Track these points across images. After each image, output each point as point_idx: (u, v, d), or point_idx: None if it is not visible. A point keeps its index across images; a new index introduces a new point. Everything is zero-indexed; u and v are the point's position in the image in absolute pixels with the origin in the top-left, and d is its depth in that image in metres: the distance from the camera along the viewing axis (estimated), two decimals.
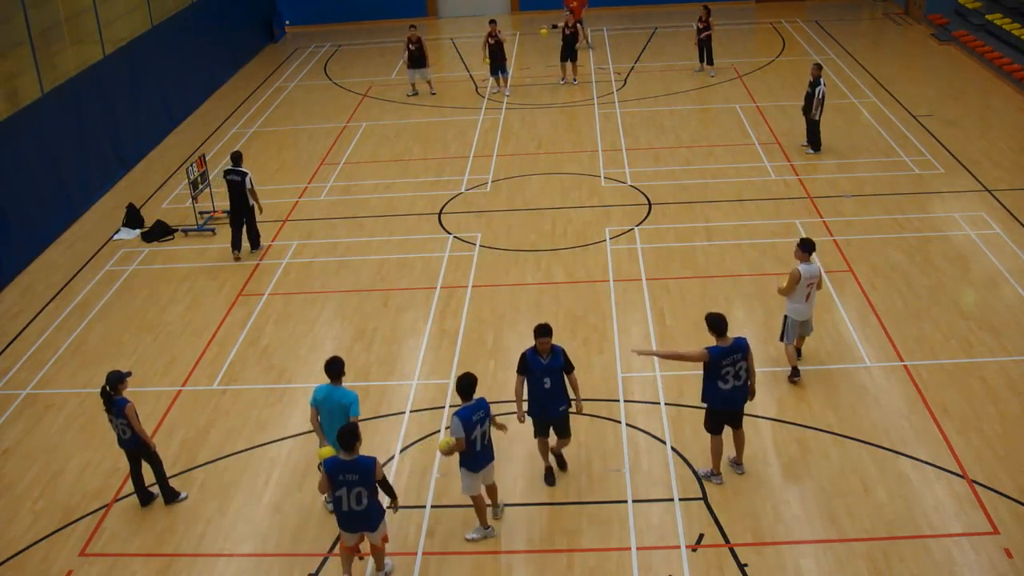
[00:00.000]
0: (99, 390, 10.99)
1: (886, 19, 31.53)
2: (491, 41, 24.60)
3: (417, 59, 25.10)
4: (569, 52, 25.52)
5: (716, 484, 11.01)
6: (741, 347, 10.58)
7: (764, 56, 27.77)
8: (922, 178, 18.85)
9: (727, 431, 11.04)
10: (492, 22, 25.18)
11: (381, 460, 11.78)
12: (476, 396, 10.12)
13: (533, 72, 27.42)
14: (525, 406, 10.91)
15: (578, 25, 25.55)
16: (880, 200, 17.95)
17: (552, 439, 11.25)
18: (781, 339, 12.83)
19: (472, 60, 28.96)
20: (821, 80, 19.56)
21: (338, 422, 10.30)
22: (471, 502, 10.49)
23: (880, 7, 32.94)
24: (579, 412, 11.14)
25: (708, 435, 11.08)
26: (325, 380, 10.51)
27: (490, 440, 10.27)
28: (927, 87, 24.18)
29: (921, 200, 17.93)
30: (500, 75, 25.13)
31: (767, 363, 13.25)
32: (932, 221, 17.10)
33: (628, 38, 30.58)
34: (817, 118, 19.82)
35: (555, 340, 13.95)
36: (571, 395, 10.93)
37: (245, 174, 16.87)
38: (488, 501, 10.69)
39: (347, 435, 9.22)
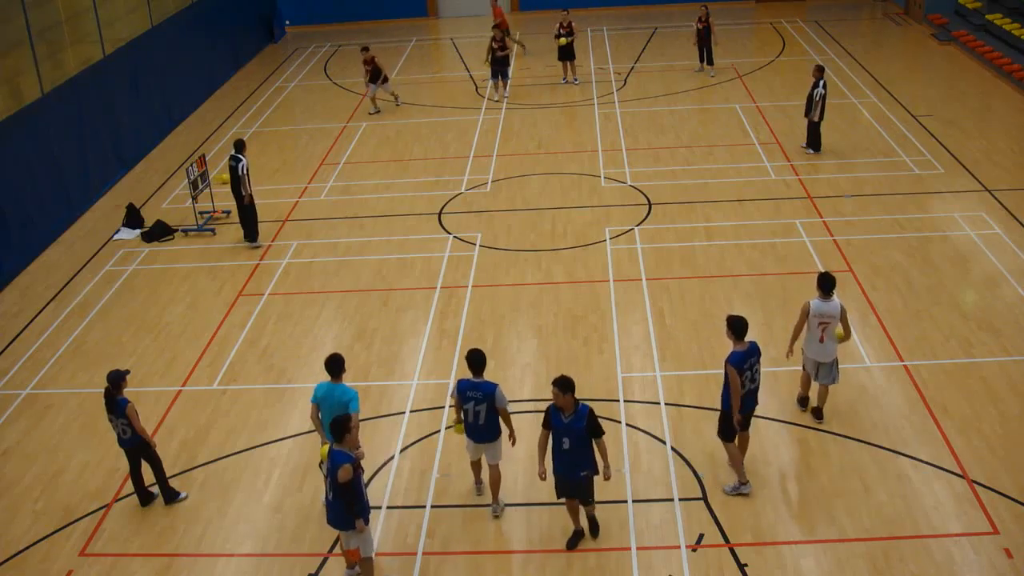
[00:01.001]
0: (102, 391, 10.98)
1: (886, 19, 31.53)
2: (495, 46, 24.36)
3: (375, 76, 24.30)
4: (567, 52, 25.46)
5: (745, 494, 10.84)
6: (756, 350, 10.56)
7: (764, 56, 27.77)
8: (922, 178, 18.85)
9: None
10: (496, 26, 24.89)
11: (380, 460, 11.81)
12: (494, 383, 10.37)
13: (533, 72, 27.40)
14: (548, 461, 10.02)
15: (506, 36, 25.74)
16: (880, 200, 17.95)
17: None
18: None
19: (472, 60, 28.97)
20: (821, 81, 19.54)
21: None
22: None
23: (880, 7, 32.95)
24: (606, 479, 9.94)
25: (711, 438, 11.03)
26: (325, 379, 10.52)
27: (488, 423, 10.36)
28: (927, 87, 24.18)
29: (921, 200, 17.94)
30: (501, 79, 24.91)
31: (767, 363, 13.22)
32: (932, 221, 17.10)
33: (628, 38, 30.57)
34: (816, 119, 19.80)
35: (555, 340, 14.07)
36: (599, 461, 9.89)
37: (239, 160, 17.07)
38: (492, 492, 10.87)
39: (336, 425, 9.27)
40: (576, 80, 25.93)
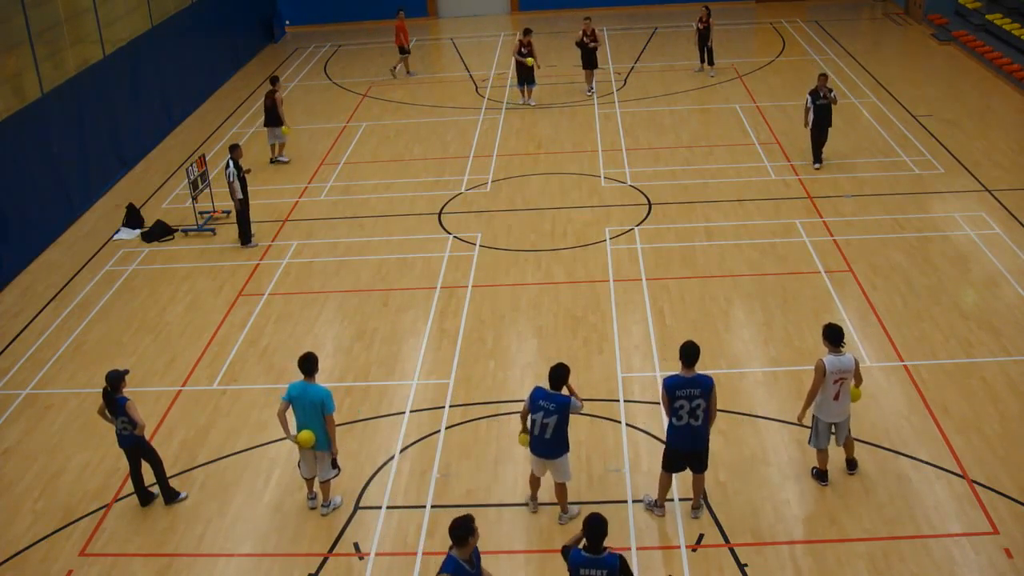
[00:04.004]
0: (101, 392, 10.97)
1: (886, 19, 31.53)
2: (524, 51, 23.71)
3: (271, 118, 21.13)
4: (589, 61, 24.66)
5: (658, 516, 10.61)
6: (703, 384, 9.94)
7: (764, 56, 27.77)
8: (922, 178, 18.85)
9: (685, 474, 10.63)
10: (527, 31, 24.11)
11: (380, 460, 11.82)
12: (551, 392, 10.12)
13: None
14: None
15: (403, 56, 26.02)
16: (880, 200, 17.95)
17: None
18: (809, 443, 10.95)
19: (472, 60, 28.97)
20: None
21: (312, 418, 10.51)
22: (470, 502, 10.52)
23: (880, 7, 32.95)
24: None
25: (710, 438, 10.89)
26: (323, 380, 10.56)
27: (555, 438, 10.09)
28: (927, 87, 24.18)
29: (921, 200, 17.93)
30: (526, 86, 24.28)
31: (766, 363, 13.25)
32: (932, 221, 17.10)
33: (628, 38, 30.57)
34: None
35: (555, 340, 14.07)
36: None
37: (227, 167, 17.17)
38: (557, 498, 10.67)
39: (455, 530, 7.90)
40: (590, 90, 25.06)
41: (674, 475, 10.63)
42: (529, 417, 10.25)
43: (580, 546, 8.06)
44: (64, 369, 14.36)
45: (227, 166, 17.21)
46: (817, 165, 19.38)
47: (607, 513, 10.57)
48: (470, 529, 7.86)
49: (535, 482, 10.73)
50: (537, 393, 10.15)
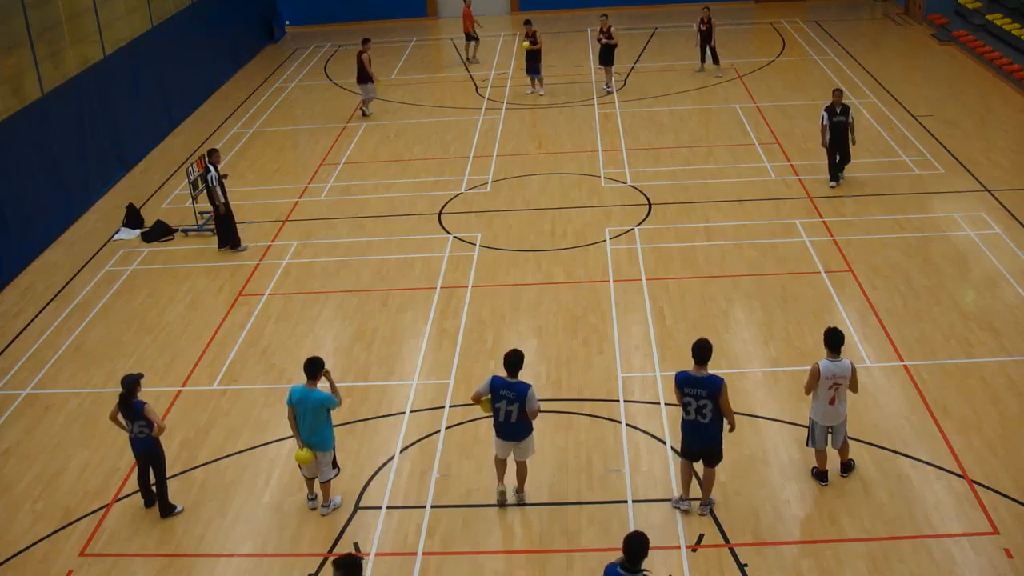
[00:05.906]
0: (102, 391, 10.96)
1: (886, 19, 31.53)
2: (528, 43, 24.29)
3: (361, 75, 23.88)
4: (606, 58, 24.76)
5: (683, 510, 10.63)
6: (710, 384, 10.00)
7: (764, 56, 27.77)
8: (922, 178, 18.85)
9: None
10: (527, 22, 24.97)
11: (380, 460, 11.82)
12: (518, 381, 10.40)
13: None
14: None
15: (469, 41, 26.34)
16: (880, 200, 17.95)
17: None
18: (807, 444, 11.00)
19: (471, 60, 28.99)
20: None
21: (314, 420, 10.54)
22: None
23: (880, 7, 32.95)
24: None
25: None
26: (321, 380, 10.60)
27: (521, 422, 10.42)
28: (927, 87, 24.18)
29: (921, 200, 17.93)
30: (535, 77, 24.86)
31: (766, 363, 13.25)
32: (932, 221, 17.10)
33: (628, 38, 30.53)
34: (854, 142, 18.39)
35: (555, 340, 14.07)
36: None
37: (208, 171, 17.08)
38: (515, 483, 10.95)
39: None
40: (608, 89, 25.04)
41: (671, 474, 10.61)
42: (494, 407, 10.46)
43: (618, 561, 8.01)
44: (64, 369, 14.36)
45: (207, 171, 17.06)
46: (833, 183, 18.42)
47: (607, 513, 10.68)
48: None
49: (501, 465, 10.87)
50: (496, 382, 10.39)
